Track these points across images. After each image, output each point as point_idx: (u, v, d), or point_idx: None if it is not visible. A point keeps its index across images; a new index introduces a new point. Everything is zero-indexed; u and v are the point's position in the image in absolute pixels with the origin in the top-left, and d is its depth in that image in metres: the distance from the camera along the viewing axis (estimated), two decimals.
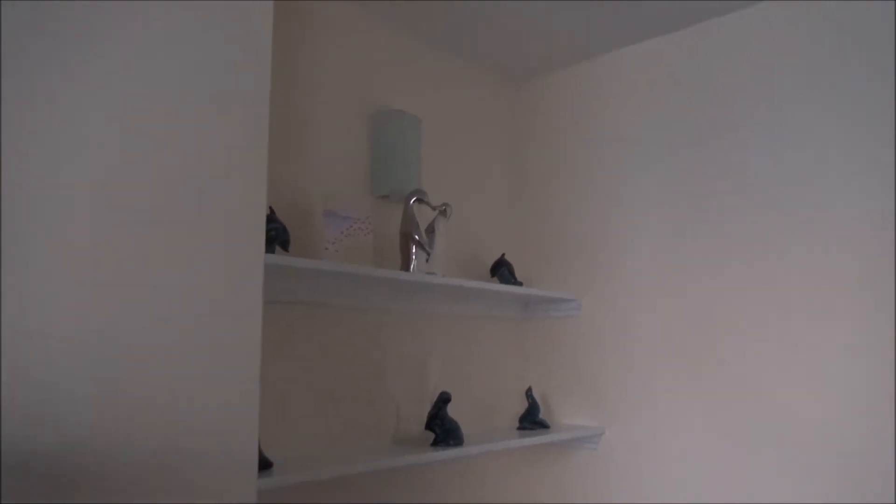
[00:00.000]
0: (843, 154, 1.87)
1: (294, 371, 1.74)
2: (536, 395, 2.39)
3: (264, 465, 1.43)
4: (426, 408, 1.90)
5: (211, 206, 1.08)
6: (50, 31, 0.94)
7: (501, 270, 2.29)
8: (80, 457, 0.91)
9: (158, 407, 0.99)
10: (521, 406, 2.36)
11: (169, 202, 1.03)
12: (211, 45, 1.12)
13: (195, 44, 1.10)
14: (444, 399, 1.85)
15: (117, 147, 0.99)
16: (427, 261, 1.95)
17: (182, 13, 1.09)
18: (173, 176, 1.05)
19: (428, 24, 2.22)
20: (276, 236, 1.62)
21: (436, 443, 1.83)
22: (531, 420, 2.27)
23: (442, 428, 1.83)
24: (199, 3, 1.11)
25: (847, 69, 1.89)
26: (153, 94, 1.04)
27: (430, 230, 2.02)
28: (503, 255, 2.32)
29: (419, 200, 1.96)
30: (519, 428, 2.27)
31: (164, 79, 1.06)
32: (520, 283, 2.29)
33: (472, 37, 2.31)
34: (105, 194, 0.97)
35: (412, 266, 1.92)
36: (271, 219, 1.59)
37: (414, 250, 1.92)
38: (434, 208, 2.03)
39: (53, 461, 0.89)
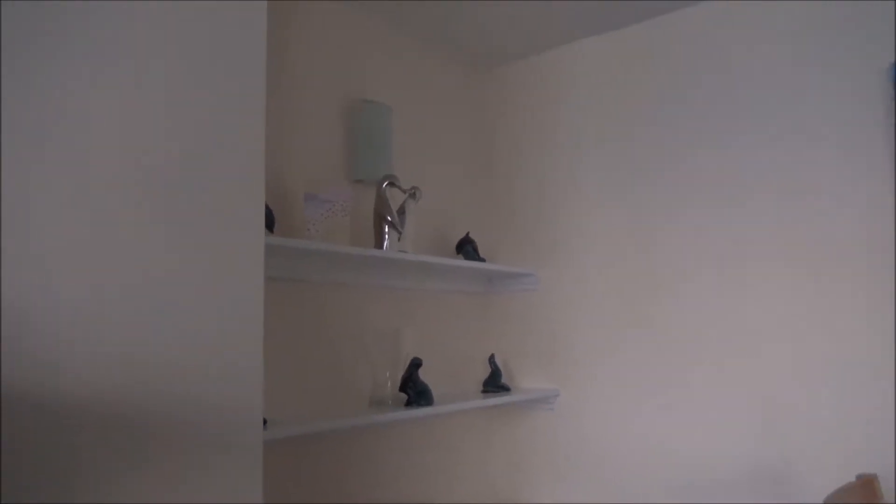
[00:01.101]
0: (791, 129, 2.12)
1: (280, 340, 1.91)
2: (498, 361, 2.62)
3: None
4: (400, 372, 2.10)
5: (219, 192, 1.25)
6: (50, 26, 1.07)
7: (466, 248, 2.49)
8: (109, 406, 1.08)
9: (178, 363, 1.16)
10: (485, 371, 2.58)
11: (185, 188, 1.20)
12: (214, 44, 1.28)
13: (199, 43, 1.25)
14: (415, 364, 2.05)
15: (141, 139, 1.15)
16: (399, 240, 2.14)
17: (182, 12, 1.24)
18: (189, 166, 1.21)
19: (399, 17, 2.38)
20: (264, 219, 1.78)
21: (409, 403, 2.03)
22: (494, 384, 2.49)
23: (414, 390, 2.04)
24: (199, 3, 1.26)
25: (801, 56, 2.13)
26: (163, 90, 1.19)
27: (402, 211, 2.21)
28: (468, 233, 2.52)
29: (391, 184, 2.13)
30: (483, 391, 2.49)
31: (173, 77, 1.21)
32: (483, 260, 2.49)
33: (441, 27, 2.48)
34: (129, 180, 1.13)
35: (385, 244, 2.10)
36: None
37: (386, 230, 2.11)
38: (405, 191, 2.21)
39: (80, 410, 1.05)
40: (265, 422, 1.64)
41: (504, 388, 2.48)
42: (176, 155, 1.20)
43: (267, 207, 1.81)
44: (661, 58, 2.37)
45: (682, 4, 2.31)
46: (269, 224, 1.81)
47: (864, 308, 1.91)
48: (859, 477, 1.55)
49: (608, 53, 2.51)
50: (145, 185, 1.15)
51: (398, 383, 2.08)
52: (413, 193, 2.22)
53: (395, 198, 2.24)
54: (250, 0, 1.36)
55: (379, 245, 2.10)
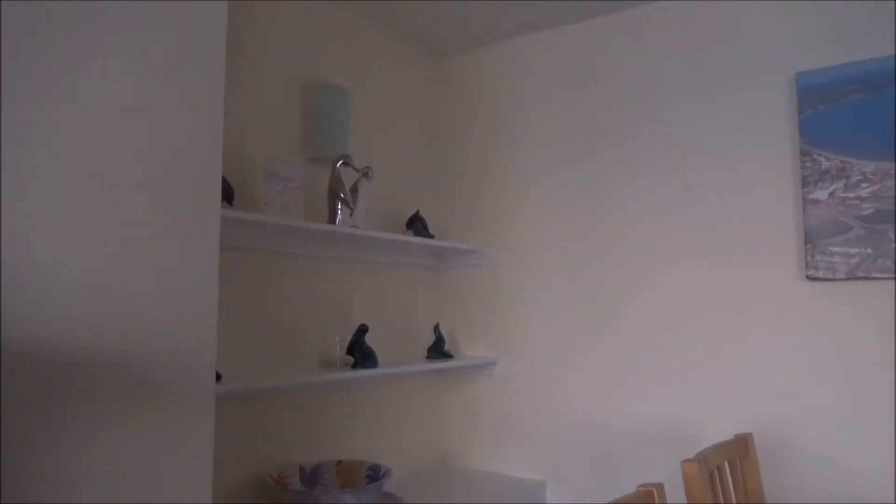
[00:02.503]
0: (712, 126, 2.34)
1: (237, 305, 2.09)
2: (443, 330, 2.82)
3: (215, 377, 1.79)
4: (349, 337, 2.29)
5: (180, 170, 1.41)
6: (38, 25, 1.22)
7: (416, 225, 2.67)
8: (80, 358, 1.25)
9: (138, 320, 1.33)
10: (431, 340, 2.79)
11: (149, 170, 1.36)
12: (174, 32, 1.43)
13: (161, 30, 1.40)
14: (362, 330, 2.24)
15: (110, 124, 1.30)
16: (350, 215, 2.31)
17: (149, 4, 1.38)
18: (154, 150, 1.37)
19: (358, 5, 2.53)
20: (223, 193, 1.94)
21: (355, 365, 2.23)
22: (438, 351, 2.70)
23: (360, 353, 2.23)
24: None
25: (721, 63, 2.34)
26: (131, 79, 1.35)
27: (354, 189, 2.38)
28: (418, 211, 2.71)
29: (345, 163, 2.30)
30: (427, 357, 2.70)
31: (138, 66, 1.36)
32: (432, 236, 2.68)
33: (398, 16, 2.63)
34: (101, 166, 1.29)
35: (338, 220, 2.27)
36: None
37: (339, 206, 2.28)
38: (358, 170, 2.37)
39: (55, 361, 1.22)
40: (220, 377, 1.83)
41: (447, 356, 2.69)
42: (143, 138, 1.35)
43: (228, 182, 1.96)
44: (603, 53, 2.56)
45: (621, 7, 2.50)
46: (230, 198, 1.97)
47: (766, 291, 2.16)
48: (737, 435, 1.80)
49: (554, 46, 2.69)
50: (113, 163, 1.31)
51: (346, 347, 2.27)
52: (366, 172, 2.39)
53: (349, 176, 2.41)
54: None
55: (332, 220, 2.27)
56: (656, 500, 1.23)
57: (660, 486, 1.25)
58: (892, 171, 1.96)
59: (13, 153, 1.17)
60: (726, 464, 1.68)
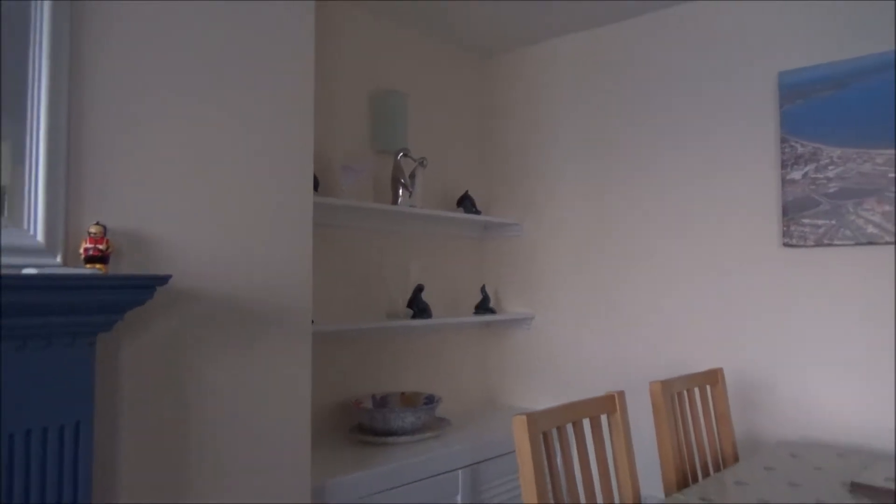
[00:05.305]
0: (704, 119, 2.77)
1: (322, 267, 2.70)
2: (488, 290, 3.37)
3: None
4: (408, 294, 2.87)
5: (284, 168, 2.00)
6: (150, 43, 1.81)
7: (465, 203, 3.21)
8: (216, 303, 1.86)
9: (258, 278, 1.94)
10: (478, 298, 3.34)
11: (264, 169, 1.94)
12: (275, 55, 2.00)
13: (264, 54, 1.98)
14: (419, 289, 2.82)
15: (242, 140, 1.89)
16: (409, 197, 2.87)
17: (245, 30, 1.96)
18: (266, 154, 1.95)
19: (412, 15, 3.05)
20: None
21: (413, 316, 2.81)
22: (483, 307, 3.24)
23: (417, 307, 2.81)
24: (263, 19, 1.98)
25: (719, 64, 2.76)
26: (266, 96, 1.93)
27: (413, 176, 2.93)
28: (467, 191, 3.23)
29: (405, 155, 2.86)
30: (475, 312, 3.26)
31: (257, 101, 1.94)
32: (479, 212, 3.21)
33: (446, 24, 3.13)
34: (236, 169, 1.88)
35: (399, 201, 2.84)
36: None
37: (400, 190, 2.84)
38: (415, 160, 2.93)
39: (200, 304, 1.83)
40: (313, 321, 2.44)
41: (491, 311, 3.24)
42: (257, 139, 1.94)
43: (314, 174, 2.55)
44: (622, 54, 3.00)
45: (647, 9, 2.92)
46: (316, 186, 2.56)
47: (751, 256, 2.59)
48: (709, 369, 2.27)
49: (585, 48, 3.14)
50: (232, 163, 1.90)
51: (407, 302, 2.85)
52: (422, 162, 2.94)
53: (408, 165, 2.96)
54: (299, 28, 2.07)
55: (394, 201, 2.84)
56: (616, 403, 1.75)
57: (621, 393, 1.77)
58: (855, 156, 2.35)
59: (188, 171, 1.77)
60: (696, 389, 2.17)
